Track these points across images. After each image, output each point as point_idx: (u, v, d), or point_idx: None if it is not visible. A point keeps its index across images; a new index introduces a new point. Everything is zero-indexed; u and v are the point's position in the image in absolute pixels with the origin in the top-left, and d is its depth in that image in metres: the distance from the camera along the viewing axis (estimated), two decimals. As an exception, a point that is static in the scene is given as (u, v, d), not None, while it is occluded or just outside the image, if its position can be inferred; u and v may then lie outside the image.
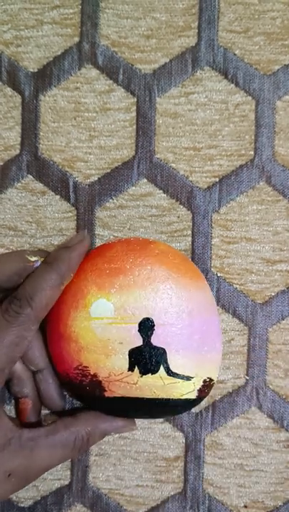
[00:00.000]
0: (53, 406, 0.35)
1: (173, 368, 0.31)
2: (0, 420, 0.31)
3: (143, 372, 0.31)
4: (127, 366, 0.31)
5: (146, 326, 0.31)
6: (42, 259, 0.32)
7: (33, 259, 0.32)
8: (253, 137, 0.37)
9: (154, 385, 0.31)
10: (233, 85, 0.37)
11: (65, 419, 0.33)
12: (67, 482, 0.37)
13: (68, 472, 0.37)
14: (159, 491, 0.37)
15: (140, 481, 0.37)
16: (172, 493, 0.37)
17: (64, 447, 0.32)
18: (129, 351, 0.31)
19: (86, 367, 0.32)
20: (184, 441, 0.37)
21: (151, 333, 0.31)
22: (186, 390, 0.32)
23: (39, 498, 0.37)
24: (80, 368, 0.32)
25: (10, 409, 0.37)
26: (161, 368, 0.31)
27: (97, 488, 0.37)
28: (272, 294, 0.37)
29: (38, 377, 0.35)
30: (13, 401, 0.36)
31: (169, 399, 0.32)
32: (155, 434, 0.37)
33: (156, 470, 0.37)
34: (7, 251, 0.37)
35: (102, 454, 0.37)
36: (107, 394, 0.32)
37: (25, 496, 0.37)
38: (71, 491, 0.37)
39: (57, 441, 0.32)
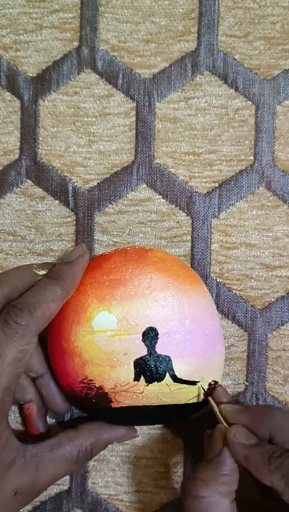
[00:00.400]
0: (58, 409, 0.35)
1: (178, 374, 0.31)
2: (6, 439, 0.30)
3: (149, 381, 0.31)
4: (132, 376, 0.31)
5: (149, 336, 0.31)
6: None
7: (41, 272, 0.32)
8: (252, 142, 0.36)
9: (161, 393, 0.31)
10: (232, 90, 0.36)
11: (68, 432, 0.33)
12: (66, 487, 0.37)
13: (67, 477, 0.37)
14: (158, 497, 0.37)
15: (139, 486, 0.37)
16: (172, 499, 0.37)
17: (68, 460, 0.32)
18: (134, 361, 0.31)
19: (91, 380, 0.32)
20: (183, 446, 0.37)
21: (155, 342, 0.31)
22: (193, 395, 0.32)
23: (38, 504, 0.37)
24: (85, 381, 0.32)
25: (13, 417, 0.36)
26: (167, 375, 0.31)
27: (97, 493, 0.37)
28: (272, 300, 0.37)
29: (39, 383, 0.34)
30: (14, 409, 0.36)
31: (176, 404, 0.32)
32: (154, 440, 0.37)
33: (156, 476, 0.37)
34: (6, 256, 0.37)
35: (102, 459, 0.37)
36: (113, 405, 0.32)
37: (25, 501, 0.37)
38: (70, 496, 0.37)
39: (61, 455, 0.32)
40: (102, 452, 0.37)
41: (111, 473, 0.37)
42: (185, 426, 0.37)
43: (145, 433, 0.37)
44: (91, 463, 0.37)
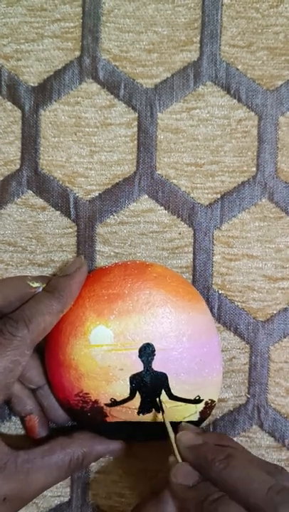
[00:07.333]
0: (59, 419, 0.35)
1: (174, 392, 0.31)
2: None
3: (144, 397, 0.31)
4: (128, 392, 0.31)
5: (146, 352, 0.31)
6: (44, 285, 0.32)
7: (35, 285, 0.32)
8: (255, 153, 0.36)
9: (156, 409, 0.31)
10: (235, 101, 0.36)
11: (61, 440, 0.33)
12: (67, 499, 0.37)
13: (68, 489, 0.37)
14: (159, 509, 0.37)
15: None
16: (172, 511, 0.37)
17: (59, 468, 0.32)
18: (130, 377, 0.31)
19: (87, 394, 0.32)
20: (184, 458, 0.37)
21: (152, 359, 0.31)
22: (188, 413, 0.32)
23: (39, 515, 0.37)
24: (80, 394, 0.32)
25: (9, 425, 0.36)
26: (163, 393, 0.31)
27: (98, 505, 0.37)
28: (274, 312, 0.36)
29: (39, 393, 0.34)
30: (13, 418, 0.36)
31: (172, 422, 0.31)
32: (157, 451, 0.37)
33: (157, 487, 0.37)
34: (6, 267, 0.37)
35: (103, 471, 0.37)
36: (108, 419, 0.32)
37: (25, 512, 0.37)
38: (71, 508, 0.37)
39: (53, 462, 0.32)
40: (103, 464, 0.37)
41: (113, 485, 0.37)
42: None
43: (148, 444, 0.37)
44: (92, 474, 0.37)
